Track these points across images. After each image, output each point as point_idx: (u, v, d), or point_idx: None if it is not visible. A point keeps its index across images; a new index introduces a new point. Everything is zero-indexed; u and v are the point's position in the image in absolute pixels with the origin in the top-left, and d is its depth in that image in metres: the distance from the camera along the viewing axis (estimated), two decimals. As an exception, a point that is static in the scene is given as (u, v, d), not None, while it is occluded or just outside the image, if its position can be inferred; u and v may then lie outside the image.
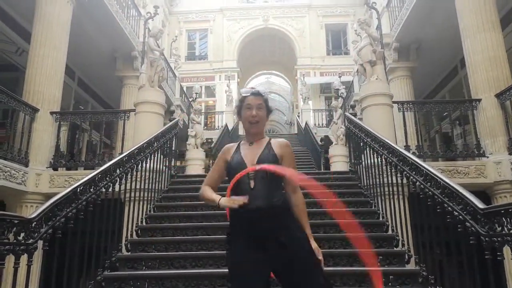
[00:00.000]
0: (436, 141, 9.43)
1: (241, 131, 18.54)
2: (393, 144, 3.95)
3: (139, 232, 4.14)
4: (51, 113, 6.33)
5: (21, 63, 8.60)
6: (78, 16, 7.55)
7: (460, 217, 2.62)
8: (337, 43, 19.70)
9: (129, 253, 3.83)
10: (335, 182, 5.48)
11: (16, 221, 2.28)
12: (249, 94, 2.01)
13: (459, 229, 2.66)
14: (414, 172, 3.36)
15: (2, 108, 5.70)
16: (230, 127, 14.31)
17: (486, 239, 2.32)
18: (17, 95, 6.22)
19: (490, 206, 2.42)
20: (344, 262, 3.47)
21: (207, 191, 2.00)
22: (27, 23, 7.79)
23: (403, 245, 3.62)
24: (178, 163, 7.54)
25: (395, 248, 3.70)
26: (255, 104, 1.99)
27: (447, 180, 2.86)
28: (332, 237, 3.82)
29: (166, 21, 18.36)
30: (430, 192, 3.05)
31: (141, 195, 4.33)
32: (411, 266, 3.44)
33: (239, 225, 1.88)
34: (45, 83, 6.33)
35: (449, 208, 2.77)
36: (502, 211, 2.22)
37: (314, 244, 1.94)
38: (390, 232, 3.92)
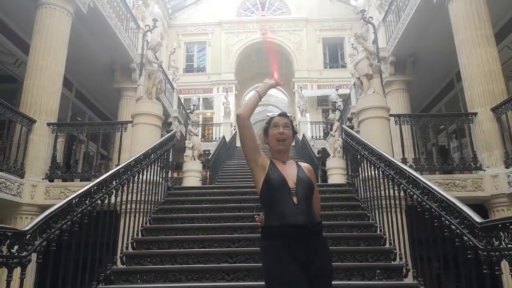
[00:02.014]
0: (433, 154, 9.46)
1: (238, 143, 18.58)
2: (390, 157, 3.95)
3: (134, 244, 4.10)
4: (48, 124, 6.31)
5: (19, 74, 8.62)
6: (77, 28, 7.60)
7: (458, 231, 2.60)
8: (334, 56, 19.90)
9: (124, 266, 3.79)
10: (332, 194, 5.46)
11: (9, 233, 2.26)
12: (276, 115, 2.14)
13: (456, 243, 2.64)
14: (411, 185, 3.35)
15: (-1, 119, 5.67)
16: (227, 139, 14.31)
17: (484, 253, 2.31)
18: (15, 106, 6.22)
19: (487, 220, 2.41)
20: (342, 276, 3.43)
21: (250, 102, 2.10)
22: (26, 35, 7.83)
23: (400, 258, 3.59)
24: (175, 175, 7.51)
25: (392, 262, 3.67)
26: (282, 123, 2.09)
27: (444, 194, 2.86)
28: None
29: (165, 33, 18.51)
30: (427, 206, 3.04)
31: (137, 207, 4.30)
32: (409, 280, 3.41)
33: (279, 239, 1.87)
34: (42, 94, 6.34)
35: (447, 221, 2.75)
36: (500, 225, 2.21)
37: None
38: (387, 245, 3.89)
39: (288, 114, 2.20)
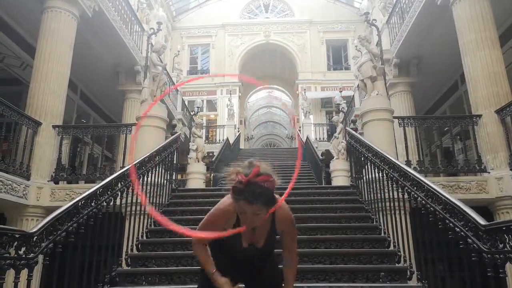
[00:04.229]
0: (437, 156, 9.44)
1: (243, 145, 18.63)
2: (394, 159, 3.96)
3: (139, 246, 4.12)
4: (54, 126, 6.37)
5: (25, 77, 8.69)
6: (82, 31, 7.66)
7: (462, 233, 2.61)
8: (337, 58, 19.90)
9: (129, 267, 3.81)
10: (336, 197, 5.47)
11: (17, 236, 2.28)
12: (241, 199, 1.57)
13: (461, 246, 2.65)
14: (415, 188, 3.35)
15: (5, 121, 5.72)
16: (231, 141, 14.34)
17: (488, 256, 2.31)
18: (20, 108, 6.27)
19: (491, 222, 2.42)
20: (346, 278, 3.44)
21: (203, 252, 1.84)
22: (32, 38, 7.90)
23: (405, 261, 3.59)
24: (179, 177, 7.54)
25: (397, 264, 3.67)
26: (251, 211, 1.60)
27: (448, 196, 2.86)
28: (334, 252, 3.80)
29: (169, 36, 18.60)
30: (431, 208, 3.05)
31: (142, 209, 4.32)
32: (413, 283, 3.41)
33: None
34: (48, 97, 6.39)
35: (451, 224, 2.76)
36: (504, 228, 2.22)
37: None
38: (391, 247, 3.89)
39: (263, 196, 1.57)
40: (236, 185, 1.57)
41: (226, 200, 1.76)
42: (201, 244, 1.84)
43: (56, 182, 6.22)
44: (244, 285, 1.98)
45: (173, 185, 5.83)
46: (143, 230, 4.33)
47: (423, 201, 3.20)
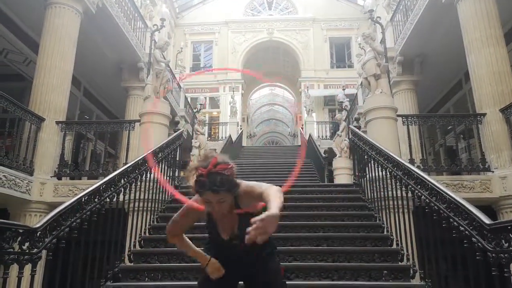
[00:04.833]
0: (441, 155, 9.41)
1: (245, 143, 18.62)
2: (398, 158, 3.94)
3: (142, 242, 4.13)
4: (57, 122, 6.37)
5: (28, 73, 8.71)
6: (86, 27, 7.65)
7: (466, 232, 2.60)
8: (341, 56, 19.85)
9: (132, 264, 3.81)
10: (339, 195, 5.46)
11: (21, 231, 2.29)
12: (204, 190, 1.62)
13: (465, 245, 2.63)
14: (419, 186, 3.34)
15: (9, 117, 5.73)
16: (233, 138, 14.33)
17: (493, 255, 2.30)
18: (24, 104, 6.28)
19: (496, 222, 2.41)
20: (349, 276, 3.43)
21: (181, 241, 1.94)
22: (35, 34, 7.91)
23: (408, 259, 3.58)
24: (181, 174, 7.53)
25: (400, 263, 3.66)
26: (215, 199, 1.64)
27: (452, 195, 2.85)
28: (337, 250, 3.79)
29: (172, 33, 18.58)
30: (435, 207, 3.03)
31: (145, 205, 4.33)
32: (416, 281, 3.40)
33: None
34: (51, 93, 6.39)
35: (455, 223, 2.74)
36: (509, 227, 2.21)
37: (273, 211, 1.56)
38: (394, 246, 3.88)
39: (222, 181, 1.60)
40: (198, 179, 1.62)
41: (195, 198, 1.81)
42: (174, 235, 1.92)
43: (59, 178, 6.23)
44: (243, 283, 1.96)
45: (176, 182, 5.83)
46: (145, 226, 4.33)
47: (427, 200, 3.19)
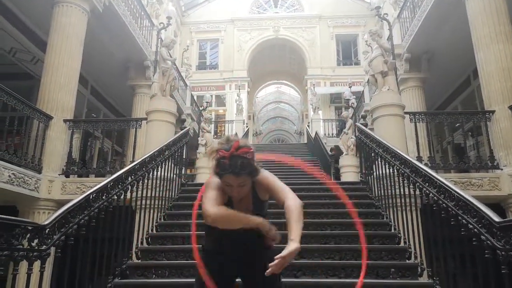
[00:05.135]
0: (448, 153, 9.34)
1: (251, 140, 18.61)
2: (405, 155, 3.92)
3: (149, 240, 4.15)
4: (65, 120, 6.42)
5: (36, 71, 8.77)
6: (93, 26, 7.69)
7: (475, 230, 2.57)
8: (347, 53, 19.76)
9: (139, 260, 3.84)
10: (345, 192, 5.42)
11: (30, 228, 2.31)
12: (227, 173, 1.63)
13: (474, 242, 2.61)
14: (427, 184, 3.32)
15: (17, 115, 5.78)
16: (240, 136, 14.31)
17: (502, 253, 2.28)
18: (32, 103, 6.32)
19: (506, 219, 2.38)
20: (356, 274, 3.42)
21: (228, 211, 1.70)
22: (43, 33, 7.96)
23: (415, 257, 3.56)
24: (188, 171, 7.56)
25: (407, 261, 3.64)
26: (236, 183, 1.66)
27: (461, 193, 2.82)
28: (344, 248, 3.78)
29: (178, 31, 18.60)
30: (443, 204, 3.01)
31: (152, 203, 4.35)
32: (424, 279, 3.38)
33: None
34: (59, 91, 6.44)
35: (464, 221, 2.72)
36: (519, 225, 2.18)
37: (294, 246, 1.59)
38: (402, 244, 3.86)
39: (245, 164, 1.62)
40: (219, 160, 1.62)
41: (211, 179, 1.79)
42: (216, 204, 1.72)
43: (67, 176, 6.28)
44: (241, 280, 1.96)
45: (183, 180, 5.85)
46: (153, 223, 4.36)
47: (435, 197, 3.16)
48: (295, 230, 1.61)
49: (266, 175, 1.80)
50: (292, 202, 1.72)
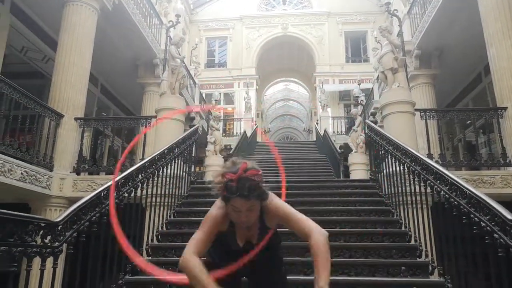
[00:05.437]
0: (459, 150, 9.23)
1: (259, 138, 18.64)
2: (416, 153, 3.88)
3: (159, 237, 4.18)
4: (76, 119, 6.48)
5: (47, 70, 8.87)
6: (102, 25, 7.75)
7: (488, 228, 2.54)
8: (356, 50, 19.61)
9: (150, 257, 3.86)
10: (355, 190, 5.41)
11: (42, 224, 2.33)
12: (235, 196, 1.55)
13: (486, 241, 2.58)
14: (438, 181, 3.28)
15: (29, 114, 5.85)
16: (248, 134, 14.34)
17: (516, 251, 2.25)
18: (43, 101, 6.40)
19: (519, 217, 2.35)
20: (366, 272, 3.41)
21: (197, 268, 1.58)
22: (53, 32, 8.04)
23: (426, 255, 3.54)
24: (197, 169, 7.59)
25: (418, 259, 3.61)
26: (245, 207, 1.58)
27: (473, 190, 2.79)
28: (354, 246, 3.77)
29: (186, 29, 18.65)
30: (455, 202, 2.98)
31: (162, 200, 4.37)
32: (435, 278, 3.36)
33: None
34: (70, 89, 6.50)
35: (476, 219, 2.69)
36: (533, 223, 2.15)
37: None
38: (413, 242, 3.83)
39: (253, 187, 1.56)
40: (227, 183, 1.55)
41: (214, 207, 1.75)
42: (195, 256, 1.65)
43: (78, 173, 6.35)
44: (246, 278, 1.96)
45: (192, 177, 5.87)
46: (163, 221, 4.38)
47: (446, 195, 3.13)
48: (324, 276, 1.52)
49: (277, 202, 1.72)
50: (318, 237, 1.62)
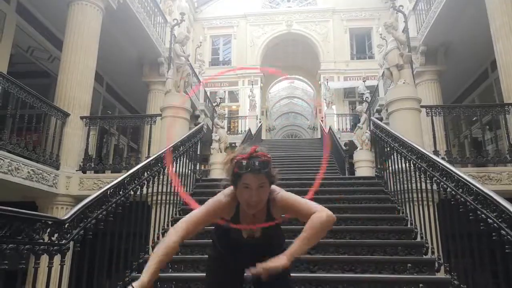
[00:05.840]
0: (465, 147, 9.17)
1: (264, 136, 18.63)
2: (422, 149, 3.86)
3: (165, 234, 4.19)
4: (81, 117, 6.52)
5: (52, 69, 8.92)
6: (107, 24, 7.77)
7: (495, 225, 2.53)
8: (361, 47, 19.50)
9: (156, 255, 3.88)
10: (360, 187, 5.39)
11: (50, 222, 2.36)
12: (246, 171, 1.56)
13: (493, 237, 2.56)
14: (444, 178, 3.26)
15: (35, 113, 5.89)
16: (253, 132, 14.34)
17: (524, 248, 2.23)
18: (49, 100, 6.44)
19: (527, 213, 2.33)
20: (372, 269, 3.40)
21: (162, 247, 1.60)
22: (59, 31, 8.08)
23: (432, 252, 3.52)
24: (202, 167, 7.60)
25: (424, 256, 3.60)
26: (255, 184, 1.58)
27: (480, 187, 2.77)
28: (360, 243, 3.76)
29: (191, 27, 18.65)
30: (462, 199, 2.96)
31: (167, 198, 4.39)
32: (441, 275, 3.34)
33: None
34: (75, 88, 6.54)
35: (483, 215, 2.68)
36: (541, 219, 2.13)
37: (279, 262, 1.53)
38: (419, 239, 3.82)
39: (264, 162, 1.59)
40: (239, 161, 1.58)
41: (221, 193, 1.77)
42: (180, 234, 1.64)
43: (84, 172, 6.38)
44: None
45: (197, 175, 5.89)
46: (168, 219, 4.40)
47: (453, 192, 3.11)
48: (294, 247, 1.54)
49: (285, 193, 1.73)
50: (320, 213, 1.61)
